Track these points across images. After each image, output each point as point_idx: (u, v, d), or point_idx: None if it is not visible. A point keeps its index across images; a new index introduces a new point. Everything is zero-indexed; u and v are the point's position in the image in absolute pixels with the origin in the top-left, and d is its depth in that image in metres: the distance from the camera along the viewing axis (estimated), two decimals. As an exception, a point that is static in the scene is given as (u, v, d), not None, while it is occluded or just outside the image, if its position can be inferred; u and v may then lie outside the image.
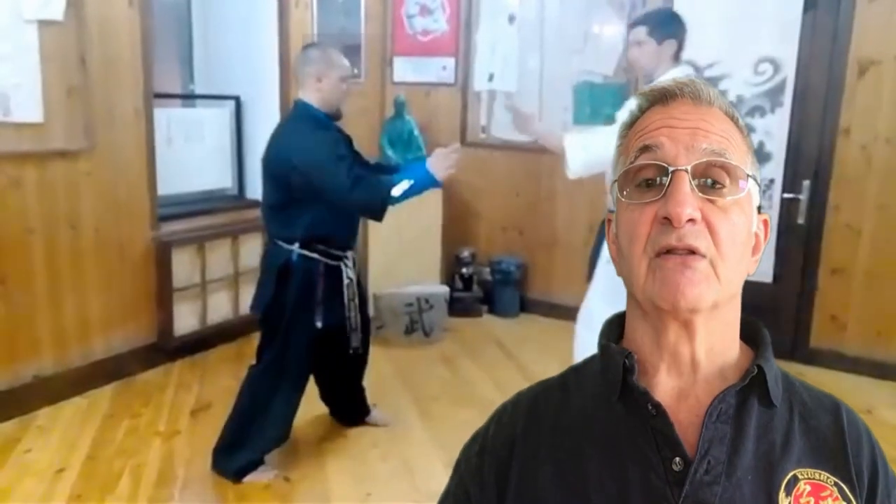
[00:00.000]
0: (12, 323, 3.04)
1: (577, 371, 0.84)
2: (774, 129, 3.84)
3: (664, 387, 0.74)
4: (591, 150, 2.61)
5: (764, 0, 3.78)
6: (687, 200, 0.69)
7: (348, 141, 2.79)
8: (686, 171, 0.70)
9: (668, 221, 0.69)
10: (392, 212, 4.27)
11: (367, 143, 4.73)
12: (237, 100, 4.37)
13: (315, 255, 2.65)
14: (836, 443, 0.73)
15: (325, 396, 3.10)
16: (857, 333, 3.80)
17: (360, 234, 4.51)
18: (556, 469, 0.75)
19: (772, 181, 3.86)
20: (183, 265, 3.68)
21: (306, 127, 2.61)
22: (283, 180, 2.59)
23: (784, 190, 3.86)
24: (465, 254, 4.72)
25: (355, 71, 2.74)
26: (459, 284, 4.72)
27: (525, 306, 4.75)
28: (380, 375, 3.68)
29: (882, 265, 3.70)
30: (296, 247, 2.63)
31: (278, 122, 2.73)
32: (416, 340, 4.19)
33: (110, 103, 3.32)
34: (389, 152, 4.59)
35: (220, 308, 3.93)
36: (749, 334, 0.79)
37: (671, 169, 0.70)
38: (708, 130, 0.72)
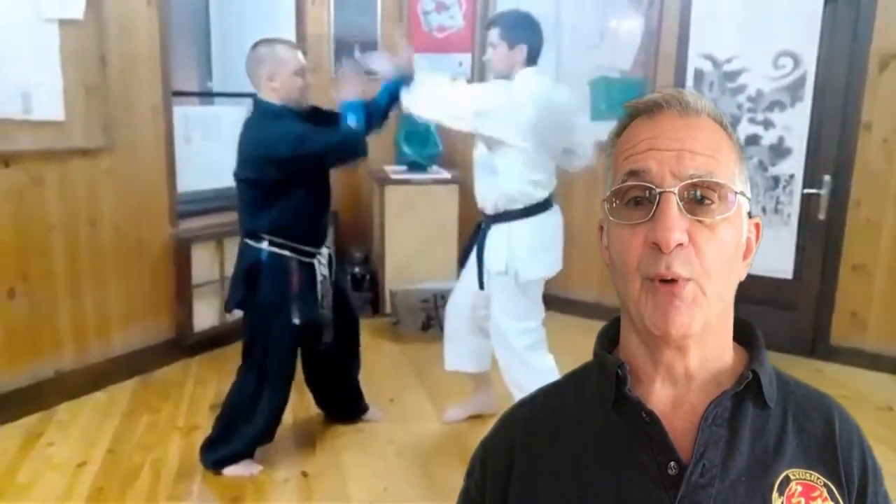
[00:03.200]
0: (33, 319, 3.08)
1: (574, 378, 0.86)
2: (794, 124, 3.80)
3: (659, 395, 0.76)
4: (435, 94, 2.63)
5: (784, -7, 3.74)
6: (675, 225, 0.69)
7: (319, 115, 2.77)
8: (674, 192, 0.70)
9: (657, 246, 0.69)
10: (408, 207, 4.30)
11: (382, 140, 4.74)
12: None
13: (286, 253, 2.64)
14: (828, 445, 0.75)
15: (318, 396, 3.09)
16: (877, 330, 3.75)
17: (377, 230, 4.54)
18: (555, 477, 0.76)
19: (792, 176, 3.82)
20: (202, 261, 3.71)
21: (270, 120, 2.59)
22: (256, 175, 2.57)
23: (804, 185, 3.81)
24: (482, 250, 4.70)
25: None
26: (476, 281, 4.71)
27: (541, 303, 4.73)
28: (396, 371, 3.69)
29: (904, 261, 3.65)
30: (265, 245, 2.61)
31: (244, 122, 2.69)
32: (433, 336, 4.18)
33: (129, 101, 3.35)
34: (406, 149, 4.59)
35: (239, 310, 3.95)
36: (742, 335, 0.80)
37: (658, 190, 0.70)
38: (694, 151, 0.71)
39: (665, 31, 4.13)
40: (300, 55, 2.67)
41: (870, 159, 3.67)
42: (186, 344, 3.71)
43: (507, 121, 2.57)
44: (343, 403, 3.12)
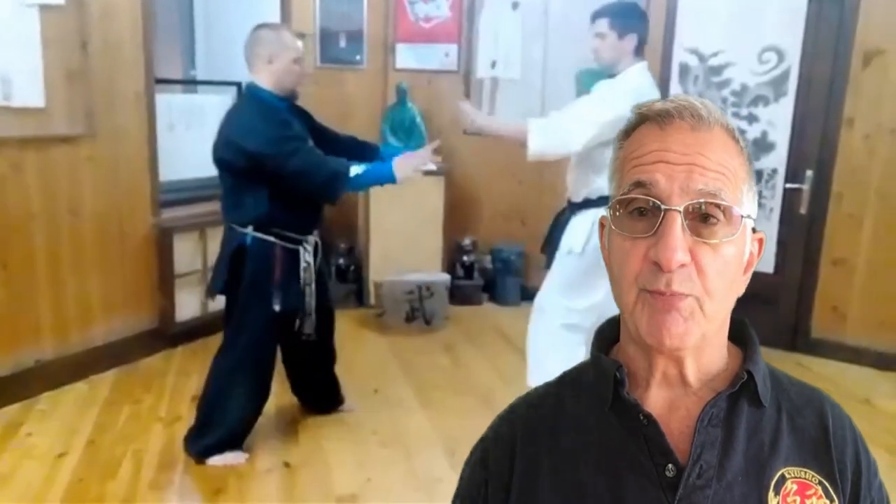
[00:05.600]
0: (14, 308, 3.04)
1: (571, 379, 0.86)
2: (778, 119, 3.82)
3: (655, 398, 0.76)
4: (551, 133, 2.61)
5: (769, -12, 3.76)
6: (677, 245, 0.68)
7: (305, 118, 2.78)
8: (679, 210, 0.69)
9: (657, 264, 0.69)
10: (394, 198, 4.28)
11: (368, 131, 4.73)
12: (239, 86, 4.35)
13: (271, 238, 2.62)
14: (821, 442, 0.75)
15: (295, 385, 3.07)
16: (858, 324, 3.80)
17: (362, 221, 4.53)
18: (555, 478, 0.77)
19: (775, 171, 3.85)
20: (184, 251, 3.68)
21: (255, 110, 2.57)
22: (233, 165, 2.56)
23: (787, 180, 3.84)
24: (467, 242, 4.71)
25: (300, 46, 2.71)
26: (460, 272, 4.72)
27: (526, 295, 4.74)
28: (380, 363, 3.69)
29: (883, 256, 3.69)
30: (249, 230, 2.60)
31: (229, 107, 2.68)
32: (417, 328, 4.19)
33: (112, 88, 3.31)
34: (391, 140, 4.57)
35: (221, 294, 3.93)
36: (736, 334, 0.80)
37: (664, 208, 0.69)
38: (705, 167, 0.70)
39: (651, 25, 4.12)
40: (300, 44, 2.69)
41: (851, 155, 3.70)
42: (169, 334, 3.68)
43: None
44: (320, 394, 3.11)
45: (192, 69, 4.52)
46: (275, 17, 4.15)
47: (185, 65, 4.51)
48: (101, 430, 2.89)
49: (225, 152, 2.56)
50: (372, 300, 4.44)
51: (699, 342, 0.72)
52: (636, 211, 0.72)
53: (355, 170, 2.58)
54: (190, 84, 4.50)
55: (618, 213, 0.73)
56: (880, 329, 3.74)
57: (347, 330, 4.11)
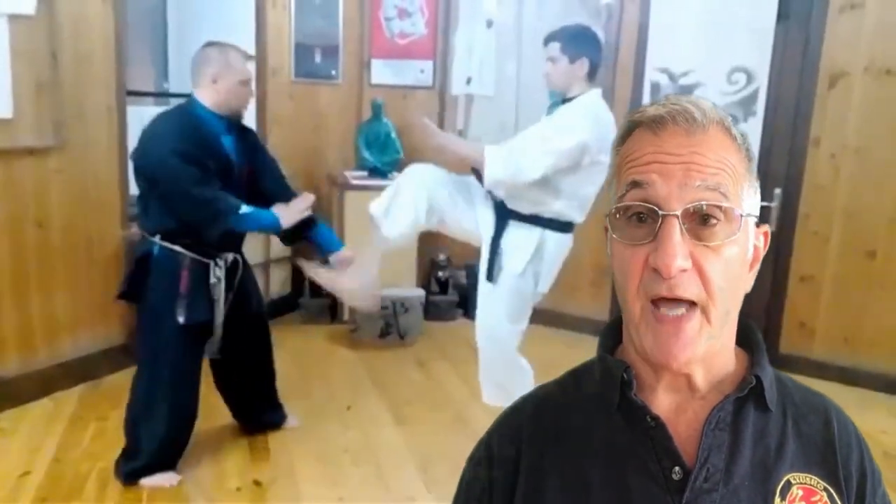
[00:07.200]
0: (-23, 323, 2.97)
1: (576, 378, 0.85)
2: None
3: (662, 400, 0.75)
4: (508, 163, 2.50)
5: (738, 10, 3.83)
6: (677, 251, 0.67)
7: (247, 139, 2.71)
8: (677, 215, 0.68)
9: (658, 272, 0.68)
10: (369, 215, 4.25)
11: (342, 145, 4.73)
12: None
13: (178, 248, 2.51)
14: (827, 448, 0.75)
15: (231, 406, 2.98)
16: (824, 340, 3.86)
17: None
18: (561, 479, 0.76)
19: (744, 189, 3.91)
20: (154, 265, 3.62)
21: (176, 123, 2.50)
22: (139, 172, 2.51)
23: (756, 198, 3.90)
24: (442, 257, 4.71)
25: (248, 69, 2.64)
26: (435, 288, 4.72)
27: (500, 310, 4.75)
28: (354, 379, 3.66)
29: (849, 273, 3.76)
30: (157, 238, 2.51)
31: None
32: (391, 343, 4.17)
33: (82, 100, 3.27)
34: (366, 154, 4.57)
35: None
36: (741, 337, 0.80)
37: (661, 213, 0.68)
38: (702, 164, 0.69)
39: (623, 45, 4.20)
40: (250, 66, 2.62)
41: (818, 174, 3.78)
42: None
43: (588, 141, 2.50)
44: (254, 413, 3.01)
45: (165, 82, 4.48)
46: (249, 31, 4.14)
47: (158, 77, 4.48)
48: (66, 448, 2.83)
49: (135, 159, 2.51)
50: (346, 315, 4.41)
51: (707, 351, 0.71)
52: (635, 217, 0.71)
53: (244, 209, 2.50)
54: (162, 97, 4.46)
55: (617, 219, 0.73)
56: (845, 345, 3.81)
57: (320, 346, 4.09)
